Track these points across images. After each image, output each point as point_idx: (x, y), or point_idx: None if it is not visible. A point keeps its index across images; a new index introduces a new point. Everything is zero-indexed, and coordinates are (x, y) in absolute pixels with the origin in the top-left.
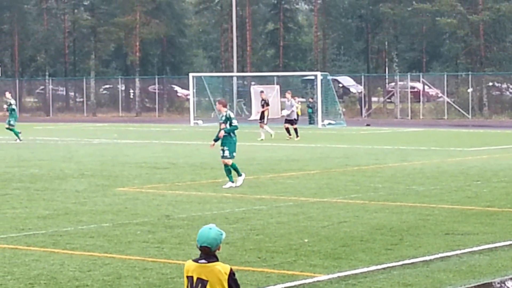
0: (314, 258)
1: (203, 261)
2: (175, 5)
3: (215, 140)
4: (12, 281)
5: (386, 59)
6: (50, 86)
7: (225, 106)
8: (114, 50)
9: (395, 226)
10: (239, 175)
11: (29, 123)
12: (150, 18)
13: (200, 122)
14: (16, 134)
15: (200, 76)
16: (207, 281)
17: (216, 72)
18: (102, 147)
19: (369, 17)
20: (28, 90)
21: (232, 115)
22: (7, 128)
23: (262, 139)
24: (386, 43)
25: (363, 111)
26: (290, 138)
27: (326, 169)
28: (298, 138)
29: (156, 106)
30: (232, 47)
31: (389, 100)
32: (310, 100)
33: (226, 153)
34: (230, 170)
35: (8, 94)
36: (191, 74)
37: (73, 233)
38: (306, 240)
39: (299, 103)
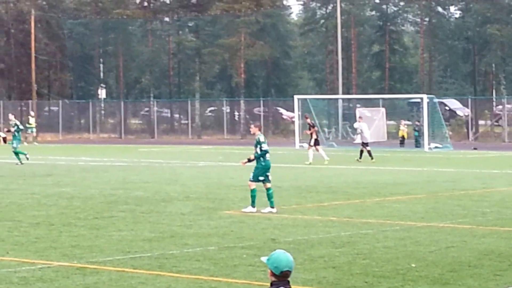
0: (421, 283)
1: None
2: (280, 27)
3: (249, 160)
4: None
5: (494, 81)
6: (155, 108)
7: (259, 129)
8: (218, 71)
9: (504, 251)
10: (252, 205)
11: (134, 145)
12: (254, 40)
13: (305, 145)
14: (18, 157)
15: (305, 98)
16: None
17: (321, 94)
18: (207, 169)
19: (476, 39)
20: (133, 112)
21: (262, 139)
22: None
23: (310, 163)
24: (494, 65)
25: (470, 134)
26: (361, 161)
27: (433, 193)
28: (373, 161)
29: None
30: (337, 69)
31: (496, 123)
32: (417, 123)
33: (251, 175)
34: (271, 194)
35: (11, 116)
36: (296, 96)
37: (179, 256)
38: (413, 265)
39: (405, 126)
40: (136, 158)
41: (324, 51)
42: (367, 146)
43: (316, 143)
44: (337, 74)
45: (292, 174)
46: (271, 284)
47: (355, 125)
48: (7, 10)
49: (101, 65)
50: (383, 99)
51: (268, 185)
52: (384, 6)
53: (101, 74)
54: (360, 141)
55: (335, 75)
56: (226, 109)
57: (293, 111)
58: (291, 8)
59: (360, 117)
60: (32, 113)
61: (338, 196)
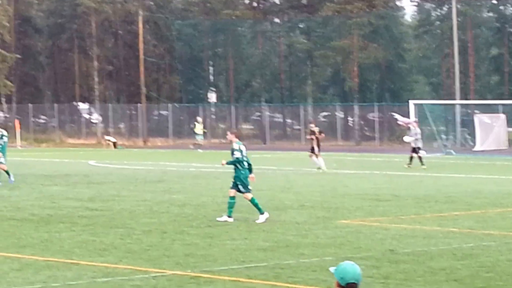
0: None
1: None
2: (393, 29)
3: (227, 163)
4: None
5: None
6: (267, 113)
7: (237, 137)
8: (331, 75)
9: None
10: (261, 212)
11: (203, 152)
12: (367, 42)
13: (422, 152)
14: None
15: (421, 104)
16: None
17: (438, 99)
18: (321, 177)
19: None
20: (244, 116)
21: (235, 147)
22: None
23: (321, 170)
24: None
25: None
26: (410, 166)
27: None
28: (424, 166)
29: (376, 134)
30: (453, 73)
31: None
32: None
33: (241, 188)
34: (256, 203)
35: None
36: (411, 102)
37: (294, 266)
38: None
39: None
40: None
41: (440, 54)
42: (420, 151)
43: (313, 150)
44: (454, 79)
45: (410, 183)
46: None
47: (413, 131)
48: (115, 11)
49: (211, 68)
50: (503, 105)
51: (249, 195)
52: (502, 7)
53: (211, 77)
54: (414, 146)
55: (451, 80)
56: (339, 114)
57: (409, 116)
58: (404, 9)
59: (416, 121)
60: (199, 119)
61: (458, 206)
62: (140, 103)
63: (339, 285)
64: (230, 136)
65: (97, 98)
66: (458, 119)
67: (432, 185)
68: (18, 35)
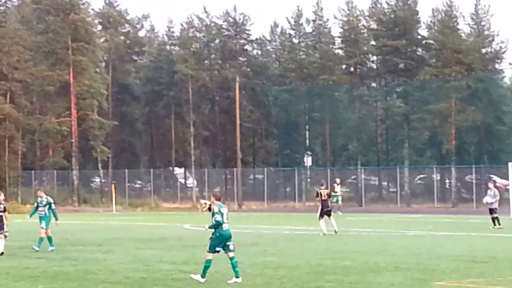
0: None
1: None
2: (492, 91)
3: (209, 227)
4: None
5: None
6: (363, 176)
7: (217, 199)
8: (428, 138)
9: None
10: (202, 275)
11: (339, 214)
12: (465, 105)
13: None
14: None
15: None
16: None
17: None
18: (416, 239)
19: None
20: (340, 180)
21: (216, 210)
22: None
23: (324, 234)
24: None
25: None
26: (496, 228)
27: None
28: (501, 227)
29: (474, 196)
30: None
31: None
32: None
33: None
34: (236, 264)
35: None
36: (510, 163)
37: None
38: None
39: None
40: (343, 227)
41: None
42: (495, 213)
43: (327, 213)
44: None
45: (507, 244)
46: None
47: (490, 192)
48: (212, 77)
49: (307, 132)
50: None
51: (231, 254)
52: None
53: (307, 141)
54: (494, 207)
55: None
56: (436, 176)
57: (507, 178)
58: (503, 71)
59: (492, 182)
60: (337, 180)
61: None
62: (236, 167)
63: None
64: (212, 199)
65: (193, 163)
66: None
67: None
68: (115, 102)
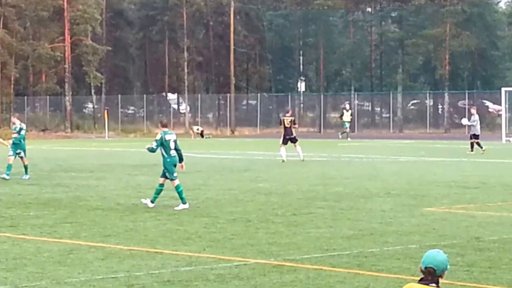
0: None
1: (433, 284)
2: (487, 16)
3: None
4: None
5: None
6: (356, 101)
7: (163, 126)
8: (422, 63)
9: None
10: (183, 202)
11: (333, 140)
12: (460, 30)
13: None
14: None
15: None
16: None
17: None
18: (408, 165)
19: None
20: (333, 106)
21: (158, 137)
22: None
23: (283, 160)
24: None
25: None
26: (472, 153)
27: None
28: (484, 149)
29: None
30: None
31: None
32: None
33: (167, 175)
34: (180, 191)
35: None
36: (503, 89)
37: (378, 254)
38: None
39: None
40: (335, 153)
41: None
42: (478, 138)
43: (291, 140)
44: None
45: (499, 170)
46: (419, 280)
47: (472, 118)
48: (207, 2)
49: (301, 58)
50: None
51: (176, 182)
52: None
53: (301, 67)
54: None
55: None
56: (429, 102)
57: (500, 104)
58: None
59: (474, 108)
60: (347, 106)
61: None
62: (229, 93)
63: (420, 269)
64: (159, 126)
65: (186, 88)
66: None
67: None
68: (110, 28)
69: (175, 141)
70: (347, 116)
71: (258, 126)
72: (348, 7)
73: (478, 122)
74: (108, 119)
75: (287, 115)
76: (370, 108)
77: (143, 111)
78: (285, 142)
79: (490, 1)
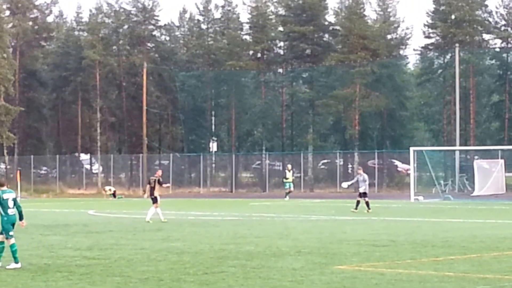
0: None
1: None
2: (396, 77)
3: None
4: None
5: None
6: (267, 161)
7: (1, 185)
8: (332, 123)
9: None
10: (15, 262)
11: (245, 199)
12: (370, 91)
13: (421, 198)
14: None
15: (421, 150)
16: None
17: (438, 145)
18: (319, 223)
19: None
20: (244, 165)
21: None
22: None
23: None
24: None
25: None
26: (356, 211)
27: None
28: (370, 210)
29: (376, 181)
30: (454, 119)
31: None
32: None
33: (4, 233)
34: (16, 250)
35: None
36: (412, 148)
37: None
38: None
39: None
40: (247, 212)
41: (442, 101)
42: (366, 196)
43: (153, 200)
44: (455, 125)
45: (408, 228)
46: None
47: (360, 177)
48: (120, 63)
49: (213, 118)
50: (502, 150)
51: (11, 241)
52: (505, 55)
53: (213, 127)
54: (362, 191)
55: (452, 126)
56: (339, 161)
57: (408, 163)
58: (407, 57)
59: (359, 168)
60: (289, 166)
61: (454, 250)
62: (142, 153)
63: None
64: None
65: (99, 149)
66: (457, 164)
67: (429, 230)
68: (23, 88)
69: (14, 199)
70: (289, 176)
71: (171, 186)
72: (260, 68)
73: (367, 181)
74: (20, 180)
75: (156, 175)
76: (281, 168)
77: (56, 171)
78: (154, 202)
79: (399, 62)
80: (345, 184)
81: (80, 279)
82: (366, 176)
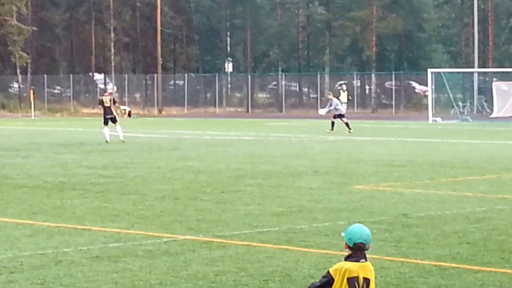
0: None
1: (363, 260)
2: None
3: None
4: (246, 278)
5: None
6: (283, 82)
7: None
8: (349, 45)
9: None
10: None
11: (261, 119)
12: (387, 13)
13: (438, 119)
14: None
15: (439, 72)
16: (369, 279)
17: (456, 67)
18: (336, 144)
19: None
20: (260, 86)
21: None
22: None
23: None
24: None
25: None
26: (331, 131)
27: None
28: (352, 131)
29: (393, 102)
30: (473, 42)
31: None
32: None
33: None
34: None
35: None
36: (429, 70)
37: (307, 230)
38: None
39: None
40: (263, 133)
41: (460, 23)
42: (343, 117)
43: (111, 120)
44: (473, 47)
45: (426, 149)
46: (346, 257)
47: (334, 101)
48: None
49: (228, 39)
50: None
51: None
52: None
53: (228, 48)
54: (338, 113)
55: (470, 48)
56: (356, 82)
57: (426, 85)
58: None
59: (329, 93)
60: (344, 87)
61: (473, 171)
62: (156, 73)
63: (348, 246)
64: None
65: (113, 69)
66: (475, 86)
67: (447, 151)
68: (35, 8)
69: None
70: (344, 97)
71: (186, 106)
72: None
73: (339, 103)
74: (34, 99)
75: (105, 94)
76: (297, 89)
77: (70, 91)
78: (106, 123)
79: None
80: (322, 111)
81: (96, 197)
82: (335, 100)
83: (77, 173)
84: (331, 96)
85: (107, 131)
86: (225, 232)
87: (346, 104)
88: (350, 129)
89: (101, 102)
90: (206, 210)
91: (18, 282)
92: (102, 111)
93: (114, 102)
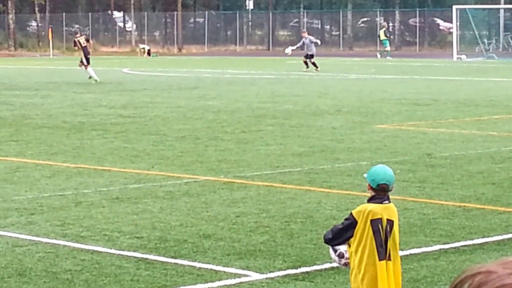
0: None
1: (386, 201)
2: None
3: None
4: (267, 219)
5: None
6: (305, 19)
7: None
8: None
9: None
10: None
11: (282, 58)
12: None
13: (463, 56)
14: None
15: (464, 9)
16: (393, 221)
17: (481, 4)
18: (359, 82)
19: None
20: (282, 23)
21: None
22: None
23: (94, 80)
24: None
25: None
26: (307, 70)
27: None
28: (318, 69)
29: (417, 40)
30: None
31: None
32: None
33: None
34: None
35: None
36: (454, 7)
37: (329, 171)
38: None
39: None
40: (285, 71)
41: None
42: (313, 57)
43: (87, 61)
44: None
45: (450, 87)
46: (369, 199)
47: (306, 40)
48: None
49: None
50: None
51: None
52: None
53: None
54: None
55: None
56: (379, 20)
57: (451, 22)
58: None
59: (304, 31)
60: (385, 24)
61: (498, 109)
62: (176, 11)
63: (370, 188)
64: None
65: (132, 7)
66: (501, 23)
67: (472, 89)
68: None
69: None
70: (382, 35)
71: (206, 44)
72: None
73: (311, 42)
74: (52, 38)
75: (77, 36)
76: (319, 26)
77: (89, 29)
78: (88, 62)
79: None
80: (288, 50)
81: (115, 137)
82: (312, 38)
83: (96, 113)
84: (305, 35)
85: (91, 70)
86: (246, 173)
87: (387, 41)
88: (317, 67)
89: (78, 43)
90: (227, 150)
91: (38, 223)
92: (82, 53)
93: (88, 40)
